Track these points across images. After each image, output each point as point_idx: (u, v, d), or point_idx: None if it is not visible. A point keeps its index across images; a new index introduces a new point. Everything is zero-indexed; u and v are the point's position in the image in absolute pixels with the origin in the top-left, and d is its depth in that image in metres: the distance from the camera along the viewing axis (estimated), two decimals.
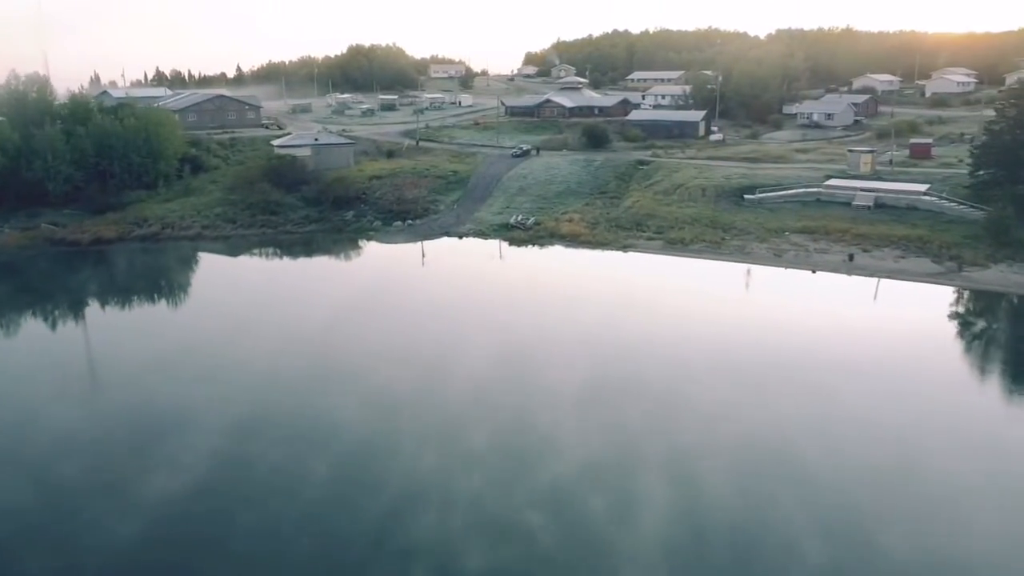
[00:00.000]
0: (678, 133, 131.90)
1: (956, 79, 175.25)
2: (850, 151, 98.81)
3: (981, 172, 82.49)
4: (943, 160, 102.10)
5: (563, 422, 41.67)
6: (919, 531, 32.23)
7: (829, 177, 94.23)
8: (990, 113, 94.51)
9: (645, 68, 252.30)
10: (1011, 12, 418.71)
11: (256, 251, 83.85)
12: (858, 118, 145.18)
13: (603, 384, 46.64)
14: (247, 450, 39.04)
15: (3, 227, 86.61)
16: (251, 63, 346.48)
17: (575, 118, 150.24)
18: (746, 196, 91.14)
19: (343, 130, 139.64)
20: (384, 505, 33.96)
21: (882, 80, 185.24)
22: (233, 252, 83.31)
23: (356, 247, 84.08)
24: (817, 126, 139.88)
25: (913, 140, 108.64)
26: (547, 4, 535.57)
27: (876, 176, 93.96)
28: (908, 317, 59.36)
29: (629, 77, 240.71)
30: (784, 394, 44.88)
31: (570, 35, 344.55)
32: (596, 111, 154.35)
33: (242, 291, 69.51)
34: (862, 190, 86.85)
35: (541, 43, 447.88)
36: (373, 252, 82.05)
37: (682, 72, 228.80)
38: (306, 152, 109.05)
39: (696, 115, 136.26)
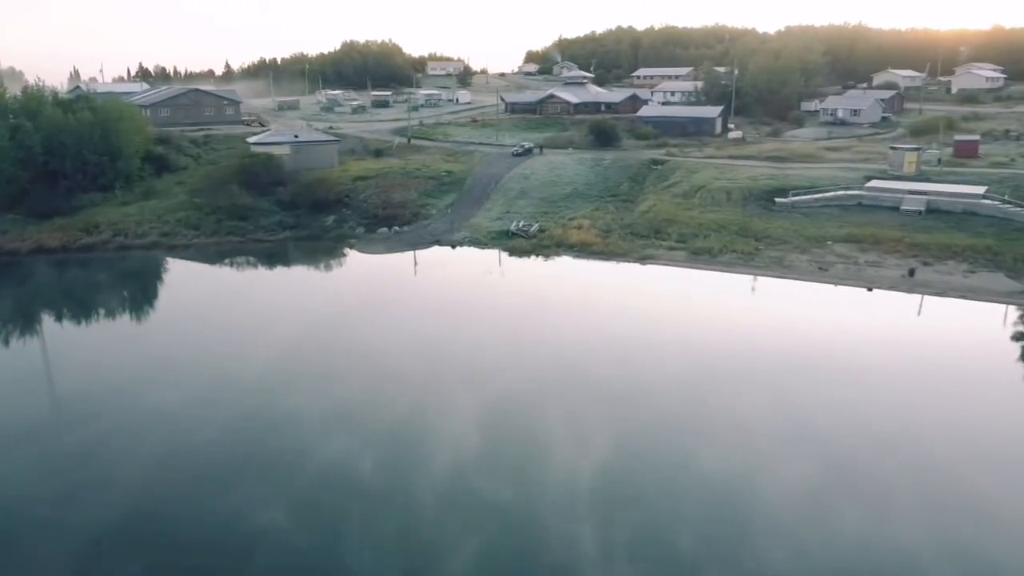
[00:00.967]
0: (693, 131, 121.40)
1: (984, 74, 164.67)
2: (892, 149, 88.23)
3: None
4: (992, 159, 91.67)
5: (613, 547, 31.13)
6: None
7: (870, 178, 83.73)
8: None
9: (651, 65, 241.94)
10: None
11: (218, 262, 73.10)
12: (886, 115, 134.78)
13: (649, 461, 36.10)
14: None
15: None
16: (243, 60, 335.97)
17: (580, 115, 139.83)
18: (777, 199, 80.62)
19: (330, 127, 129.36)
20: None
21: (905, 76, 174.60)
22: (190, 264, 72.60)
23: (333, 258, 73.24)
24: (842, 123, 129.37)
25: (958, 137, 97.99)
26: (548, 2, 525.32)
27: (923, 177, 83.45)
28: (1009, 351, 48.42)
29: (635, 74, 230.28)
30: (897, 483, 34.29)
31: (572, 33, 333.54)
32: (603, 107, 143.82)
33: (176, 318, 58.05)
34: (911, 193, 76.28)
35: (542, 42, 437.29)
36: (352, 264, 71.28)
37: (691, 68, 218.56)
38: (285, 150, 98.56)
39: (712, 111, 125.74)
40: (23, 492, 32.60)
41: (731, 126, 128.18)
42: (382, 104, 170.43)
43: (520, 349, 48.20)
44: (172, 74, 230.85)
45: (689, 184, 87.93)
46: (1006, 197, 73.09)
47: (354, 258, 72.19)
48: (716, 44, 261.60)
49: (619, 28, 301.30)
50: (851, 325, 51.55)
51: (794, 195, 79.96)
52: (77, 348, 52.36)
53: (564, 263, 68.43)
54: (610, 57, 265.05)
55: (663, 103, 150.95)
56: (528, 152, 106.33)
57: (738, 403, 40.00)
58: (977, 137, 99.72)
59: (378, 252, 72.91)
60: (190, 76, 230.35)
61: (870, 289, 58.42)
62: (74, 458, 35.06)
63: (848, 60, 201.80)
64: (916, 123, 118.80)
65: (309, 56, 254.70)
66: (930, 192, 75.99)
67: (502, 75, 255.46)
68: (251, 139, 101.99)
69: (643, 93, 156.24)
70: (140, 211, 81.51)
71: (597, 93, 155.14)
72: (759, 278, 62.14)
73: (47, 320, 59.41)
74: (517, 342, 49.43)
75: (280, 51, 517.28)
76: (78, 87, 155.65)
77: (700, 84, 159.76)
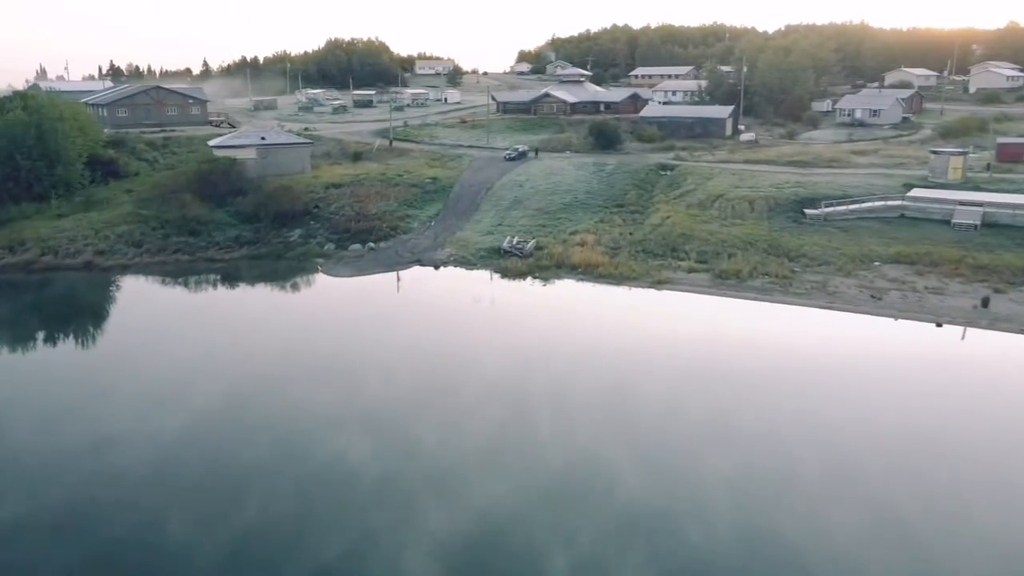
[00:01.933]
0: (701, 132, 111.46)
1: (1005, 73, 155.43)
2: (933, 153, 78.22)
3: None
4: None
5: None
6: None
7: (910, 186, 73.85)
8: None
9: (649, 64, 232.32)
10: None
11: (159, 284, 62.25)
12: (906, 115, 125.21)
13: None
14: None
15: None
16: (224, 59, 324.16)
17: (578, 115, 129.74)
18: (807, 211, 70.61)
19: (305, 128, 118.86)
20: None
21: (919, 74, 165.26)
22: (125, 288, 61.75)
23: (294, 282, 62.45)
24: (861, 124, 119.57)
25: (1002, 140, 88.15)
26: (541, 1, 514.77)
27: (970, 185, 73.61)
28: None
29: (633, 73, 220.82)
30: None
31: (566, 32, 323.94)
32: (602, 107, 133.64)
33: (79, 365, 47.62)
34: (963, 204, 66.37)
35: (535, 42, 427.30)
36: (316, 291, 60.41)
37: (691, 67, 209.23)
38: (250, 154, 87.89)
39: (722, 111, 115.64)
40: None
41: (741, 127, 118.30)
42: (365, 104, 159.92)
43: (523, 414, 37.80)
44: (146, 73, 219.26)
45: (704, 192, 77.83)
46: None
47: (319, 283, 61.37)
48: (716, 43, 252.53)
49: (615, 27, 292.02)
50: (935, 380, 41.37)
51: (826, 205, 69.98)
52: None
53: (566, 288, 58.03)
54: (606, 56, 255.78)
55: (664, 103, 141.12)
56: (522, 156, 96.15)
57: (824, 509, 29.71)
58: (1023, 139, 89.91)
59: (348, 274, 62.20)
60: (165, 75, 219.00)
61: (939, 324, 48.22)
62: None
63: (855, 59, 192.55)
64: (946, 124, 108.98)
65: (292, 55, 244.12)
66: (985, 203, 66.04)
67: (484, 74, 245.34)
68: (213, 142, 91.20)
69: (643, 92, 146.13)
70: (76, 224, 70.70)
71: (596, 92, 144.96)
72: (801, 308, 51.76)
73: None
74: (515, 408, 38.85)
75: (263, 50, 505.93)
76: (36, 85, 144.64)
77: (704, 83, 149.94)
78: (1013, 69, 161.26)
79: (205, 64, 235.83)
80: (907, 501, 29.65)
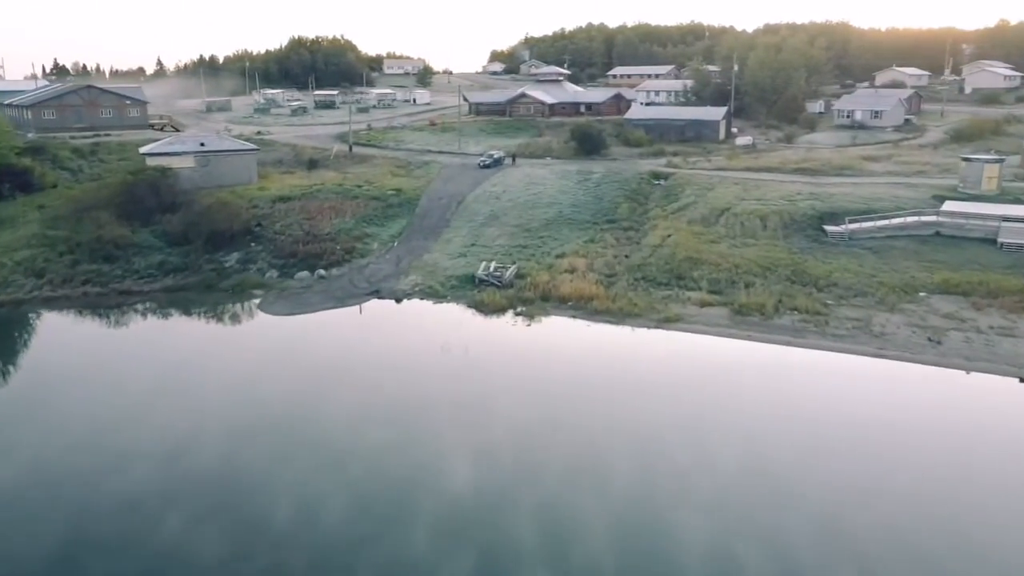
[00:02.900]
0: (693, 136, 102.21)
1: (1003, 72, 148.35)
2: (965, 160, 69.28)
3: None
4: None
5: None
6: None
7: (941, 198, 64.87)
8: None
9: (627, 63, 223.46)
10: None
11: (50, 327, 51.12)
12: (908, 116, 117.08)
13: None
14: None
15: None
16: (181, 58, 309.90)
17: (557, 116, 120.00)
18: (828, 228, 61.34)
19: (258, 132, 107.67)
20: None
21: (911, 74, 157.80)
22: (11, 332, 50.58)
23: (221, 322, 51.38)
24: (861, 126, 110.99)
25: None
26: (514, 0, 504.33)
27: (1011, 197, 64.84)
28: None
29: (611, 73, 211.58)
30: None
31: (539, 32, 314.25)
32: (583, 108, 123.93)
33: None
34: (1008, 219, 57.48)
35: (508, 42, 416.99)
36: (246, 335, 49.07)
37: (672, 67, 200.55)
38: (187, 163, 76.84)
39: (716, 113, 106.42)
40: None
41: (735, 130, 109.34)
42: (327, 105, 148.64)
43: (513, 535, 27.60)
44: (95, 72, 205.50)
45: (707, 206, 68.25)
46: None
47: (253, 324, 50.43)
48: (695, 41, 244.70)
49: (591, 25, 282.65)
50: None
51: (850, 222, 60.75)
52: None
53: (555, 328, 47.86)
54: (582, 55, 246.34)
55: (647, 103, 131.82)
56: (498, 163, 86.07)
57: None
58: None
59: (290, 310, 51.37)
60: (116, 75, 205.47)
61: (1023, 379, 38.87)
62: None
63: (842, 58, 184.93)
64: (956, 127, 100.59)
65: (253, 53, 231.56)
66: None
67: (450, 73, 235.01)
68: (144, 148, 79.76)
69: (627, 93, 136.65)
70: None
71: (576, 92, 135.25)
72: (846, 356, 42.12)
73: None
74: (495, 508, 28.70)
75: (224, 48, 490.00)
76: None
77: (690, 83, 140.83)
78: (1009, 68, 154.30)
79: (160, 63, 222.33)
80: None
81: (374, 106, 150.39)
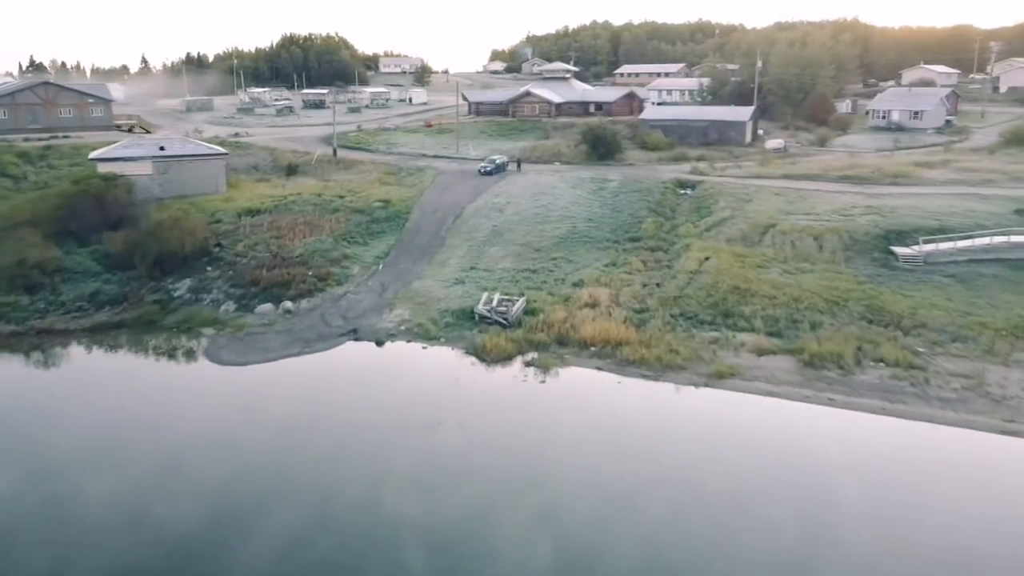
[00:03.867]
0: (717, 138, 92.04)
1: None
2: None
3: None
4: None
5: None
6: None
7: None
8: None
9: (634, 61, 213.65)
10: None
11: None
12: (948, 117, 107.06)
13: None
14: None
15: None
16: (169, 56, 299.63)
17: (565, 117, 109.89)
18: (896, 250, 51.17)
19: (235, 134, 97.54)
20: None
21: (941, 72, 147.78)
22: None
23: (155, 374, 41.12)
24: (899, 128, 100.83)
25: None
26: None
27: None
28: None
29: (618, 71, 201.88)
30: None
31: (542, 31, 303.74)
32: (593, 108, 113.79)
33: None
34: None
35: (510, 41, 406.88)
36: (185, 393, 38.12)
37: (682, 64, 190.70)
38: (144, 169, 66.85)
39: (742, 114, 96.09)
40: None
41: (762, 131, 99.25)
42: (315, 104, 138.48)
43: None
44: (74, 70, 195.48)
45: (746, 221, 58.04)
46: None
47: (196, 376, 40.09)
48: (704, 39, 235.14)
49: (595, 23, 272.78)
50: None
51: (925, 242, 50.56)
52: None
53: (576, 385, 37.62)
54: (587, 54, 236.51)
55: (659, 103, 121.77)
56: (501, 169, 75.93)
57: None
58: None
59: (245, 358, 41.06)
60: (97, 73, 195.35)
61: None
62: None
63: (864, 56, 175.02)
64: (1012, 128, 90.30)
65: (243, 51, 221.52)
66: None
67: (448, 72, 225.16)
68: (95, 153, 69.55)
69: (640, 92, 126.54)
70: None
71: (584, 91, 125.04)
72: (960, 429, 31.91)
73: None
74: None
75: (213, 46, 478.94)
76: None
77: (705, 81, 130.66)
78: None
79: (144, 61, 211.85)
80: None
81: (367, 106, 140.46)
